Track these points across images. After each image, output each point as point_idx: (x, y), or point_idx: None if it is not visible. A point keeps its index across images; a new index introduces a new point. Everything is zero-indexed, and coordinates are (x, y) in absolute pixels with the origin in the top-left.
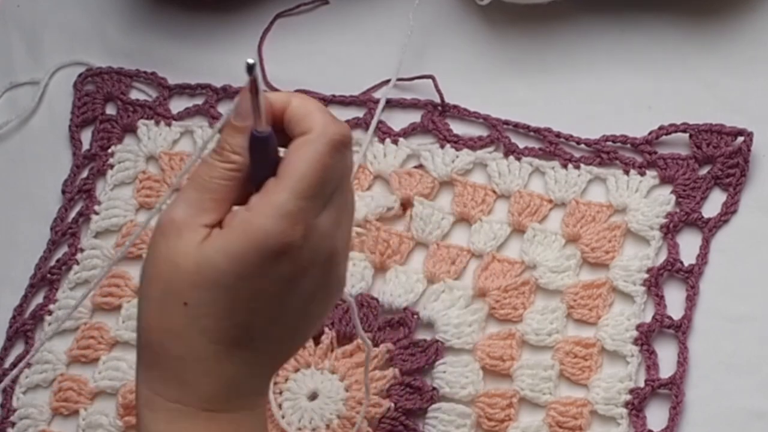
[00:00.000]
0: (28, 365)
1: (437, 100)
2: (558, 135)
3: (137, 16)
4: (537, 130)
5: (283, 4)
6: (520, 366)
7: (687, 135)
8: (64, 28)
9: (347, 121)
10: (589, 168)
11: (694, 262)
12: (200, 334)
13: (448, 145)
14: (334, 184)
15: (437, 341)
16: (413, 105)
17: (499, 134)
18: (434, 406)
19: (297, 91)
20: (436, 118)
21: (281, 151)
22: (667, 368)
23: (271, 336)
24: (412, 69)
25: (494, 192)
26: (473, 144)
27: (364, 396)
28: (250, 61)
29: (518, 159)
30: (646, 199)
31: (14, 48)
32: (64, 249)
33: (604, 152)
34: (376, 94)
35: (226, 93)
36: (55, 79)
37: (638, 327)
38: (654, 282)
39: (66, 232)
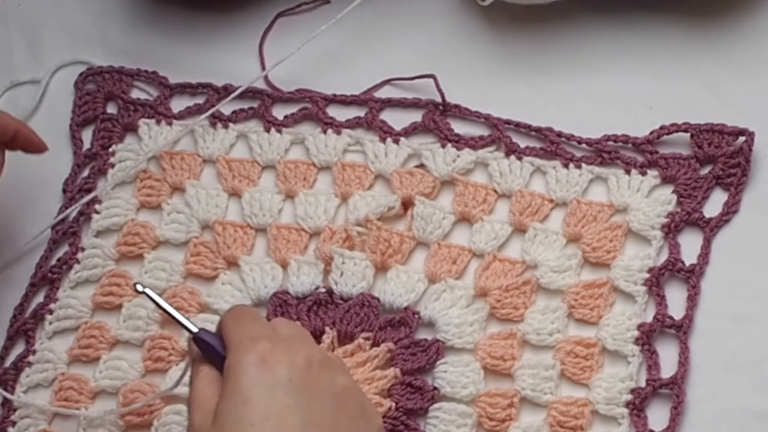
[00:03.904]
0: (29, 364)
1: (438, 99)
2: (559, 134)
3: (138, 16)
4: (538, 130)
5: (284, 4)
6: (521, 366)
7: (688, 135)
8: (65, 27)
9: (347, 121)
10: (591, 168)
11: (695, 261)
12: None
13: (449, 145)
14: (262, 320)
15: (438, 341)
16: (414, 104)
17: (500, 134)
18: (435, 405)
19: (297, 90)
20: (438, 118)
21: None
22: (668, 368)
23: None
24: (413, 68)
25: (495, 191)
26: (474, 143)
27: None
28: (139, 287)
29: (519, 158)
30: (648, 199)
31: (15, 47)
32: (65, 248)
33: (606, 152)
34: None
35: (227, 92)
36: (56, 78)
37: (639, 327)
38: (655, 282)
39: (67, 231)
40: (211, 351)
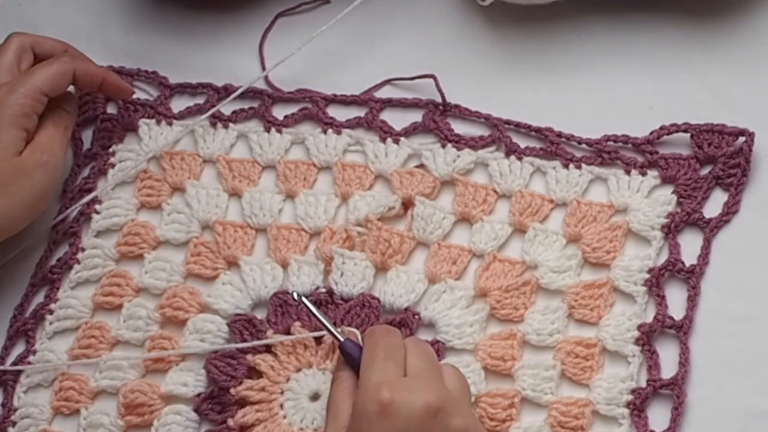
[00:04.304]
0: (29, 364)
1: (438, 99)
2: (559, 135)
3: (138, 16)
4: (538, 130)
5: (284, 4)
6: (521, 366)
7: (688, 135)
8: (65, 28)
9: (348, 121)
10: (591, 168)
11: (695, 262)
12: None
13: (449, 145)
14: (395, 352)
15: (438, 341)
16: (414, 104)
17: (501, 134)
18: None
19: (297, 90)
20: (438, 118)
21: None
22: (668, 368)
23: None
24: (413, 68)
25: (495, 192)
26: (474, 144)
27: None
28: (295, 295)
29: (519, 159)
30: (648, 199)
31: None
32: (65, 248)
33: (606, 152)
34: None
35: (227, 92)
36: None
37: (639, 327)
38: (655, 282)
39: (67, 232)
40: (353, 359)
